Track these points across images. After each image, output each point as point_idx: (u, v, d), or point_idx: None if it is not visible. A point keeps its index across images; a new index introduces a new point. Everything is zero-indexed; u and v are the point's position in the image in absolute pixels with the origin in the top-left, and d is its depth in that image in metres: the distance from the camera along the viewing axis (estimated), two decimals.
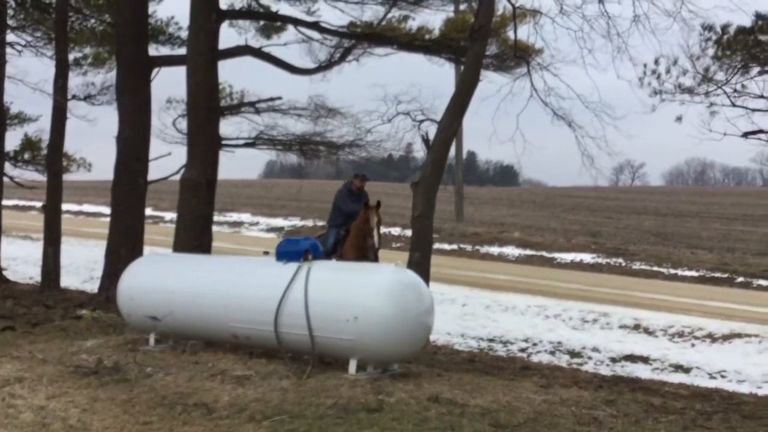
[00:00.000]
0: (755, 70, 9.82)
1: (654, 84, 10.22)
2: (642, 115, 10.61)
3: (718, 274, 24.87)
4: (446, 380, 8.39)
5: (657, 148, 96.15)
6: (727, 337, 15.39)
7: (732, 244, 33.66)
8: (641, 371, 12.38)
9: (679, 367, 13.04)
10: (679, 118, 10.34)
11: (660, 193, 72.02)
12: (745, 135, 10.23)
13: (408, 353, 8.64)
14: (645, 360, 13.41)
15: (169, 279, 9.66)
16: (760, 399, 9.58)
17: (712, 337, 15.46)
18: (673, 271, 25.46)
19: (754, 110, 10.12)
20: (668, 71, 10.09)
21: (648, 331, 15.97)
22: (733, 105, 10.19)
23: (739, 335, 15.45)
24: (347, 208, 12.67)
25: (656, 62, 10.28)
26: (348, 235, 12.45)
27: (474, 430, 6.33)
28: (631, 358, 13.34)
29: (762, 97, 10.02)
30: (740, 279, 24.14)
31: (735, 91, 10.12)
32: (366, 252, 11.98)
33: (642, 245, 32.27)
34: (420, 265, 11.53)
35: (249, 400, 7.06)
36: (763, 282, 23.58)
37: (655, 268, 26.15)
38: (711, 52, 9.85)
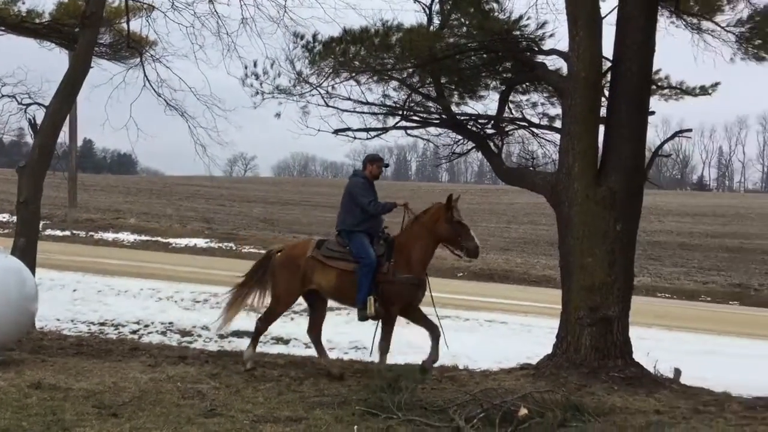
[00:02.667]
0: (344, 75, 10.51)
1: (255, 84, 10.52)
2: (253, 110, 10.86)
3: None
4: (50, 366, 7.90)
5: (267, 142, 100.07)
6: None
7: (327, 228, 35.99)
8: (246, 345, 12.67)
9: (279, 339, 13.54)
10: (277, 115, 10.79)
11: (269, 184, 74.80)
12: (336, 132, 10.95)
13: (9, 340, 8.00)
14: (249, 334, 13.73)
15: None
16: (345, 363, 10.44)
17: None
18: None
19: (343, 110, 10.88)
20: (266, 73, 10.45)
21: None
22: (327, 105, 10.83)
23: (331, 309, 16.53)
24: (375, 207, 8.68)
25: (255, 65, 10.60)
26: (392, 243, 8.75)
27: (76, 413, 6.00)
28: (238, 334, 13.52)
29: (349, 99, 10.80)
30: None
31: (327, 93, 10.74)
32: (468, 255, 8.57)
33: (251, 230, 33.25)
34: (25, 251, 10.78)
35: None
36: None
37: (262, 251, 26.93)
38: (307, 56, 10.35)
